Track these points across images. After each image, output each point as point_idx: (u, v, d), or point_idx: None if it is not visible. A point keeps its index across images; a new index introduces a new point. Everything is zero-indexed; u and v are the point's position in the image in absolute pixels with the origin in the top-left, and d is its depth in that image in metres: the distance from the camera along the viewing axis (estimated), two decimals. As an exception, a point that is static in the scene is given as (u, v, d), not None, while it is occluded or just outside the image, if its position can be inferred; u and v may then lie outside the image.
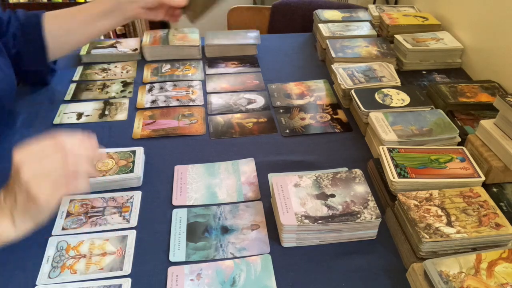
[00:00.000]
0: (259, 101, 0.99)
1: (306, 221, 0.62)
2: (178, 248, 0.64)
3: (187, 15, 0.89)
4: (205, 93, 1.01)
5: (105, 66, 1.10)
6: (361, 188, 0.68)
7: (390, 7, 1.30)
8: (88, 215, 0.69)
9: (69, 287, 0.59)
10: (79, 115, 0.92)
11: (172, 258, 0.63)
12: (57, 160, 0.52)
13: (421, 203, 0.63)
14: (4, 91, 0.80)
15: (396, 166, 0.70)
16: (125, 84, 1.03)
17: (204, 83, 1.04)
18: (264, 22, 1.63)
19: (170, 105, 0.96)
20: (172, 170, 0.78)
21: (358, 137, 0.88)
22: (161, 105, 0.96)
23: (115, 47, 1.14)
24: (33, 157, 0.52)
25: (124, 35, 2.46)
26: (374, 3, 1.79)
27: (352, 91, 0.91)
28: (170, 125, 0.90)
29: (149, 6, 0.89)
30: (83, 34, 0.90)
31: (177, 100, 0.97)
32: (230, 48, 1.16)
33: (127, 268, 0.61)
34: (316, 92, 1.02)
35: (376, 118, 0.82)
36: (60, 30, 0.87)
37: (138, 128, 0.89)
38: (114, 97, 0.98)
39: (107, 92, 1.00)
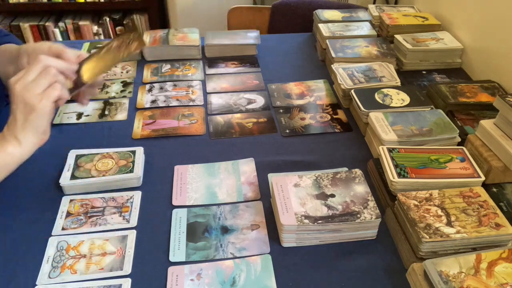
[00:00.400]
0: (259, 101, 0.99)
1: (306, 221, 0.62)
2: (178, 248, 0.64)
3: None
4: (205, 93, 1.00)
5: (105, 66, 1.10)
6: (361, 188, 0.68)
7: (390, 7, 1.30)
8: (88, 215, 0.69)
9: (69, 287, 0.59)
10: (79, 115, 0.92)
11: (172, 258, 0.63)
12: (38, 70, 0.63)
13: (421, 203, 0.63)
14: None
15: (396, 166, 0.70)
16: (125, 84, 1.03)
17: (204, 83, 1.04)
18: (264, 22, 1.63)
19: (170, 105, 0.96)
20: (172, 170, 0.78)
21: (358, 137, 0.88)
22: (161, 105, 0.96)
23: (115, 47, 1.14)
24: (20, 75, 0.63)
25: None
26: (374, 3, 1.79)
27: (352, 91, 0.91)
28: (170, 125, 0.90)
29: None
30: (2, 75, 0.80)
31: (177, 100, 0.97)
32: (230, 48, 1.15)
33: (127, 268, 0.61)
34: (316, 92, 1.02)
35: (376, 118, 0.82)
36: None
37: (138, 128, 0.89)
38: (114, 97, 0.98)
39: (107, 92, 1.00)
